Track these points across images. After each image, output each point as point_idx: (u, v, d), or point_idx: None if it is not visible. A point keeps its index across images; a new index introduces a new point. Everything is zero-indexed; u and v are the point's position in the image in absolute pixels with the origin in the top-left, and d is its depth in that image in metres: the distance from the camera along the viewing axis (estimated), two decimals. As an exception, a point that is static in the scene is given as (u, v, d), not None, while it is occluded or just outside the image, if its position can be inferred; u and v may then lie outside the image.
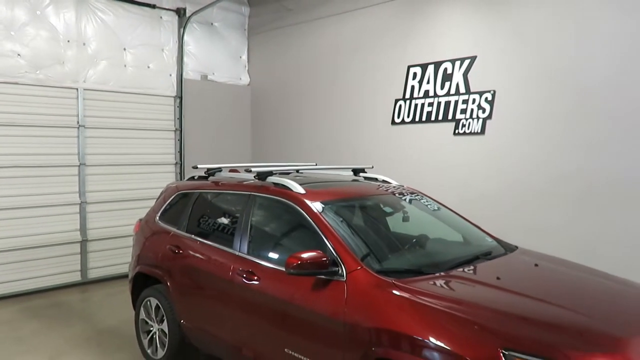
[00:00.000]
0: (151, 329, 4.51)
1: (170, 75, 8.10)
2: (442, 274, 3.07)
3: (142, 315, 4.59)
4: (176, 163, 8.20)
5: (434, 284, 2.91)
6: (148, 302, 4.52)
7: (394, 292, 2.81)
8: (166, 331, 4.31)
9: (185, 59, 8.24)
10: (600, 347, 2.37)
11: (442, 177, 6.59)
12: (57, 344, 4.95)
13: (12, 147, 6.50)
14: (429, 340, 2.53)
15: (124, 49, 7.54)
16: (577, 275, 3.33)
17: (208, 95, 8.54)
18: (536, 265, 3.41)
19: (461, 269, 3.18)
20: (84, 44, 7.13)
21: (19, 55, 6.52)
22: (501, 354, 2.32)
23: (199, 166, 4.69)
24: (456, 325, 2.52)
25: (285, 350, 3.27)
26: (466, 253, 3.55)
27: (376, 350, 2.73)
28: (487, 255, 3.51)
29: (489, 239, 3.90)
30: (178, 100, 8.17)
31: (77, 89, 7.07)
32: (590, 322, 2.56)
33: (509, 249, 3.76)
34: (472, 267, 3.24)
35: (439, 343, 2.49)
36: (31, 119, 6.66)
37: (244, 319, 3.61)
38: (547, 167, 5.75)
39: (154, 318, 4.46)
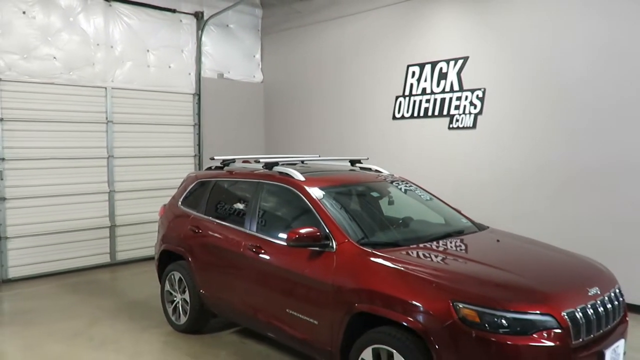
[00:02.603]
0: (175, 298, 5.20)
1: (190, 74, 8.78)
2: (416, 246, 3.70)
3: (167, 287, 5.29)
4: (195, 155, 8.89)
5: (407, 253, 3.53)
6: (172, 276, 5.21)
7: (372, 259, 3.45)
8: (188, 300, 5.00)
9: (203, 58, 8.91)
10: (530, 299, 2.98)
11: (438, 168, 7.18)
12: (93, 312, 5.70)
13: (49, 141, 7.25)
14: (396, 296, 3.17)
15: (147, 51, 8.24)
16: (528, 247, 3.94)
17: (224, 92, 9.22)
18: (498, 240, 4.02)
19: (433, 243, 3.80)
20: (112, 47, 7.84)
21: (54, 58, 7.26)
22: (451, 305, 2.95)
23: (215, 157, 5.38)
24: (418, 284, 3.15)
25: (287, 310, 3.93)
26: (441, 231, 4.17)
27: (358, 306, 3.37)
28: (459, 233, 4.13)
29: (465, 221, 4.51)
30: (196, 97, 8.85)
31: (105, 88, 7.79)
32: (526, 282, 3.17)
33: (480, 228, 4.38)
34: (443, 242, 3.86)
35: (403, 298, 3.13)
36: (65, 115, 7.39)
37: (253, 286, 4.27)
38: (531, 158, 6.30)
39: (177, 289, 5.16)
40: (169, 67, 8.51)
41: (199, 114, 8.86)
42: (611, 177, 5.66)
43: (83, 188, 7.64)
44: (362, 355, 3.35)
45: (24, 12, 6.95)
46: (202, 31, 8.80)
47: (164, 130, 8.47)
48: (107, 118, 7.81)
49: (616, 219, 5.63)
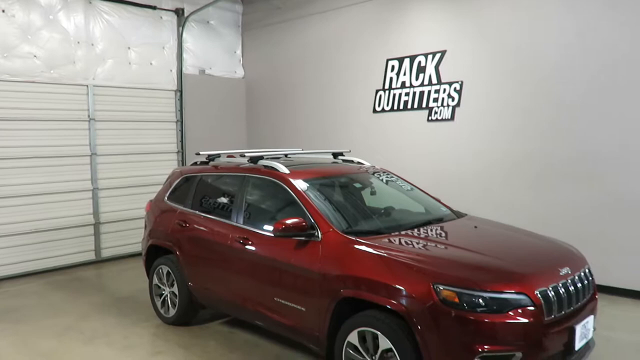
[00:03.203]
0: (163, 292, 5.30)
1: (171, 70, 8.82)
2: (397, 233, 3.86)
3: (155, 281, 5.38)
4: (178, 151, 8.95)
5: (389, 240, 3.69)
6: (160, 270, 5.30)
7: (356, 247, 3.60)
8: (176, 293, 5.10)
9: (184, 55, 8.95)
10: (505, 279, 3.16)
11: (419, 159, 7.36)
12: (82, 308, 5.76)
13: (31, 139, 7.23)
14: (380, 280, 3.32)
15: (128, 48, 8.26)
16: (504, 233, 4.14)
17: (206, 88, 9.28)
18: (475, 227, 4.21)
19: (414, 230, 3.97)
20: (92, 45, 7.84)
21: (35, 56, 7.24)
22: (432, 287, 3.11)
23: (201, 153, 5.47)
24: (401, 269, 3.31)
25: (275, 299, 4.06)
26: (421, 219, 4.34)
27: (343, 292, 3.52)
28: (439, 221, 4.31)
29: (444, 209, 4.69)
30: (178, 94, 8.90)
31: (87, 86, 7.79)
32: (502, 264, 3.36)
33: (459, 215, 4.56)
34: (423, 229, 4.03)
35: (387, 282, 3.28)
36: (47, 114, 7.39)
37: (241, 276, 4.40)
38: (508, 149, 6.52)
39: (166, 282, 5.25)
40: (151, 64, 8.54)
41: (181, 110, 8.91)
42: (586, 167, 5.89)
43: (66, 186, 7.65)
44: (348, 338, 3.50)
45: (3, 11, 6.92)
46: (183, 28, 8.84)
47: (146, 127, 8.50)
48: (89, 116, 7.82)
49: (591, 206, 5.87)
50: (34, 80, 7.23)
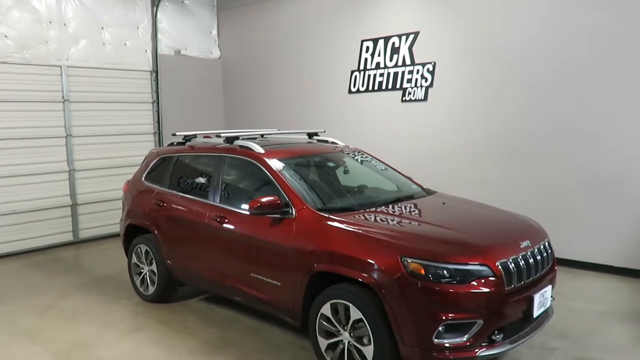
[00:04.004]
0: (142, 270, 5.40)
1: (146, 51, 8.77)
2: (368, 210, 4.02)
3: (134, 260, 5.47)
4: (154, 132, 8.95)
5: (360, 217, 3.85)
6: (139, 249, 5.40)
7: (329, 223, 3.75)
8: (155, 271, 5.20)
9: (159, 35, 8.90)
10: (468, 252, 3.35)
11: (393, 139, 7.52)
12: (61, 288, 5.83)
13: (4, 121, 7.18)
14: (351, 255, 3.48)
15: (102, 28, 8.18)
16: (470, 208, 4.34)
17: (182, 69, 9.26)
18: (444, 203, 4.40)
19: (385, 207, 4.13)
20: (65, 25, 7.76)
21: (6, 36, 7.15)
22: (399, 260, 3.29)
23: (177, 133, 5.53)
24: (371, 243, 3.47)
25: (252, 274, 4.21)
26: (393, 196, 4.52)
27: (317, 266, 3.68)
28: (409, 198, 4.48)
29: (415, 187, 4.86)
30: (154, 75, 8.87)
31: (60, 67, 7.73)
32: (465, 238, 3.54)
33: (429, 193, 4.74)
34: (393, 206, 4.20)
35: (357, 256, 3.45)
36: (20, 95, 7.32)
37: (219, 254, 4.53)
38: (480, 128, 6.71)
39: (144, 261, 5.35)
40: (125, 44, 8.48)
41: (157, 91, 8.89)
42: (553, 145, 6.11)
43: (42, 168, 7.63)
44: (322, 310, 3.67)
45: (-29, -10, 6.81)
46: (157, 7, 8.77)
47: (122, 108, 8.48)
48: (63, 97, 7.77)
49: (558, 182, 6.12)
50: (5, 61, 7.15)
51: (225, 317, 4.89)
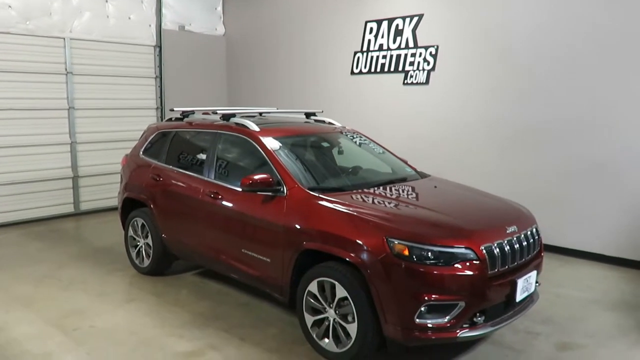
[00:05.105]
0: (138, 243, 5.48)
1: (150, 25, 8.76)
2: (360, 191, 4.06)
3: (131, 232, 5.55)
4: (157, 108, 8.99)
5: (350, 197, 3.89)
6: (135, 222, 5.47)
7: (319, 202, 3.80)
8: (151, 244, 5.29)
9: (163, 10, 8.88)
10: (453, 235, 3.39)
11: (393, 122, 7.52)
12: (60, 258, 5.94)
13: (7, 91, 7.24)
14: (339, 234, 3.53)
15: (106, 1, 8.18)
16: (461, 193, 4.36)
17: (185, 45, 9.25)
18: (435, 187, 4.43)
19: (376, 189, 4.17)
20: (69, -4, 7.75)
21: (10, 7, 7.16)
22: (385, 241, 3.33)
23: (175, 109, 5.57)
24: (357, 223, 3.52)
25: (242, 250, 4.28)
26: (385, 178, 4.55)
27: (305, 244, 3.73)
28: (402, 180, 4.52)
29: (409, 169, 4.89)
30: (157, 50, 8.86)
31: (64, 39, 7.75)
32: (452, 221, 3.58)
33: (423, 176, 4.77)
34: (385, 188, 4.24)
35: (345, 236, 3.49)
36: (23, 66, 7.36)
37: (211, 229, 4.59)
38: (480, 114, 6.69)
39: (140, 234, 5.43)
40: (129, 18, 8.47)
41: (160, 67, 8.90)
42: (550, 133, 6.09)
43: (44, 139, 7.70)
44: (309, 287, 3.73)
45: (-25, -42, 6.80)
46: (162, -18, 8.73)
47: (125, 82, 8.51)
48: (66, 69, 7.80)
49: (555, 170, 6.11)
50: (8, 31, 7.17)
51: (217, 291, 4.98)
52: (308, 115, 5.53)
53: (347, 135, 5.13)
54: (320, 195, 3.86)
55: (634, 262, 5.68)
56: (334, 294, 3.58)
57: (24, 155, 7.50)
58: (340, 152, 4.90)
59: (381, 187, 4.23)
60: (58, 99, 7.79)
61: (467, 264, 3.30)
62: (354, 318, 3.46)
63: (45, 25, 7.51)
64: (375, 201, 3.90)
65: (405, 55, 7.37)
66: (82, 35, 7.92)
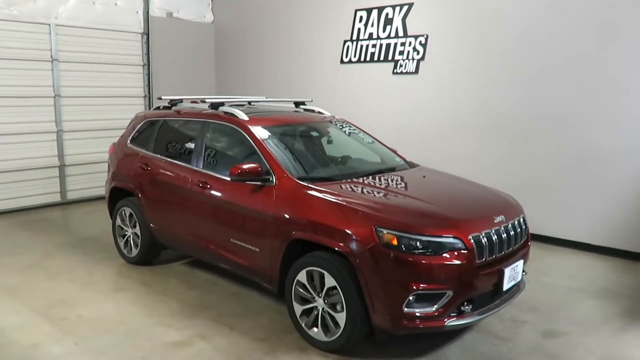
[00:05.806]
0: (126, 233, 5.45)
1: (138, 12, 8.64)
2: (349, 180, 4.06)
3: (118, 222, 5.52)
4: (145, 96, 8.89)
5: (340, 187, 3.89)
6: (123, 211, 5.43)
7: (308, 192, 3.79)
8: (138, 234, 5.25)
9: (151, -4, 8.76)
10: (441, 225, 3.42)
11: (383, 111, 7.51)
12: (47, 247, 5.89)
13: (-8, 78, 7.13)
14: (328, 224, 3.53)
15: (92, -13, 8.04)
16: (449, 182, 4.39)
17: (173, 32, 9.13)
18: (424, 176, 4.44)
19: (365, 178, 4.17)
20: (53, -19, 7.61)
21: (-7, -8, 7.02)
22: (374, 230, 3.34)
23: (163, 97, 5.51)
24: (346, 212, 3.52)
25: (231, 240, 4.27)
26: (374, 168, 4.55)
27: (294, 234, 3.73)
28: (391, 170, 4.52)
29: (398, 159, 4.89)
30: (145, 37, 8.75)
31: (49, 25, 7.62)
32: (440, 211, 3.60)
33: (412, 166, 4.78)
34: (374, 177, 4.24)
35: (334, 225, 3.50)
36: (7, 52, 7.24)
37: (200, 219, 4.57)
38: (468, 104, 6.71)
39: (128, 224, 5.40)
40: (116, 4, 8.34)
41: (148, 54, 8.79)
42: (541, 123, 6.12)
43: (29, 127, 7.60)
44: (298, 277, 3.74)
45: (-43, -58, 6.64)
46: (149, -33, 8.60)
47: (112, 70, 8.40)
48: (52, 56, 7.68)
49: (544, 160, 6.15)
50: (-8, 17, 7.05)
51: (206, 280, 4.97)
52: (297, 104, 5.50)
53: (336, 124, 5.12)
54: (310, 185, 3.86)
55: (619, 251, 5.76)
56: (322, 284, 3.58)
57: (9, 143, 7.39)
58: (329, 142, 4.89)
59: (370, 177, 4.23)
60: (44, 87, 7.67)
61: (455, 253, 3.32)
62: (342, 307, 3.47)
63: (29, 11, 7.38)
64: (364, 191, 3.91)
65: (395, 44, 7.34)
66: (68, 21, 7.80)
